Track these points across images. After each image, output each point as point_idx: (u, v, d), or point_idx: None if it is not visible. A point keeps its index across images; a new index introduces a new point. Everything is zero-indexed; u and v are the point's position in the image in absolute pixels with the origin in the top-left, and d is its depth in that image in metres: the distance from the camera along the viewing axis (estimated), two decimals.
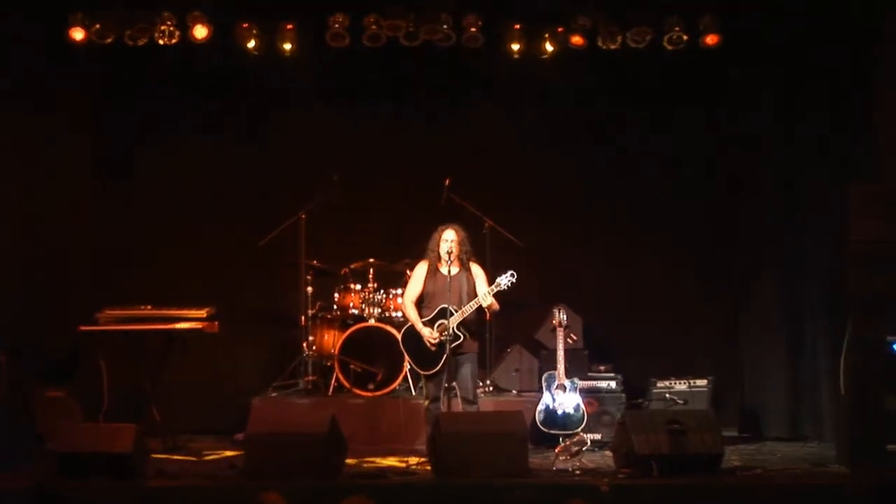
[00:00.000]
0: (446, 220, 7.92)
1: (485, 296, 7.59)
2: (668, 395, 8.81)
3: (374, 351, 8.97)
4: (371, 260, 9.34)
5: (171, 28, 8.83)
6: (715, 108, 9.43)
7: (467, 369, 7.72)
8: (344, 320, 9.38)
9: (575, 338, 9.01)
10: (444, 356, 7.54)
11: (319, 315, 9.35)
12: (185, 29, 8.89)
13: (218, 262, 9.52)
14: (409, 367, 8.61)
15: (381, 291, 9.32)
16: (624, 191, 9.66)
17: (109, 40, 8.93)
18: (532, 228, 9.38)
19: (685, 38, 8.87)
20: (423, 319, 7.75)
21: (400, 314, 9.06)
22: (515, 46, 9.11)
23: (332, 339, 9.32)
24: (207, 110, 9.52)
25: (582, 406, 8.55)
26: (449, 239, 7.75)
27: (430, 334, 7.66)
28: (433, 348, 7.67)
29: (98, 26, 8.85)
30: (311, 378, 9.12)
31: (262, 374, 9.39)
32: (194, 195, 9.55)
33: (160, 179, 9.57)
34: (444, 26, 8.92)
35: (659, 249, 9.59)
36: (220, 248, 9.53)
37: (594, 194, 9.70)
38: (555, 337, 8.65)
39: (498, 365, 9.37)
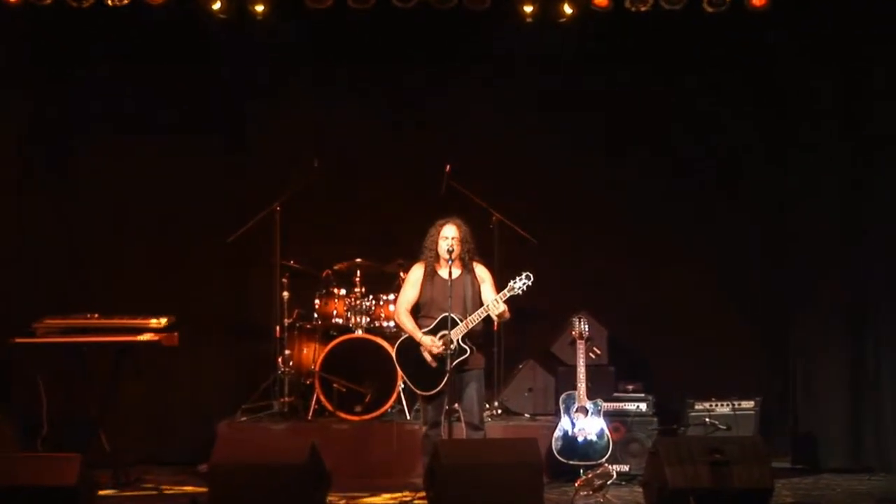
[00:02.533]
0: (446, 214, 7.90)
1: (495, 302, 7.56)
2: (708, 420, 8.84)
3: (362, 367, 9.00)
4: (358, 260, 9.35)
5: None
6: (763, 93, 9.52)
7: (472, 389, 7.71)
8: (326, 331, 9.40)
9: (598, 352, 9.05)
10: (446, 373, 7.52)
11: (297, 325, 9.38)
12: None
13: (178, 263, 9.57)
14: (403, 386, 8.61)
15: (371, 297, 9.35)
16: (654, 180, 9.71)
17: (48, 0, 8.87)
18: (547, 223, 9.46)
19: None
20: (423, 330, 7.72)
21: (392, 324, 9.12)
22: (528, 9, 9.15)
23: (312, 354, 9.35)
24: (164, 86, 9.54)
25: (606, 432, 8.58)
26: (449, 236, 7.73)
27: (430, 342, 7.62)
28: (433, 364, 7.65)
29: None
30: (287, 399, 9.14)
31: (229, 394, 9.43)
32: (149, 185, 9.57)
33: (107, 167, 9.58)
34: None
35: (697, 249, 9.69)
36: (181, 246, 9.58)
37: (619, 184, 9.74)
38: (574, 351, 8.68)
39: (508, 384, 9.39)
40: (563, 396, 8.65)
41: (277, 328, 9.20)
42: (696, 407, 8.93)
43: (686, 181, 9.72)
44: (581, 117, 9.64)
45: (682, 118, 9.67)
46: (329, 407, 8.98)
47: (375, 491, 8.08)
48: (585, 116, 9.64)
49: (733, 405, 8.90)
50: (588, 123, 9.65)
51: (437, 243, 7.78)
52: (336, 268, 9.38)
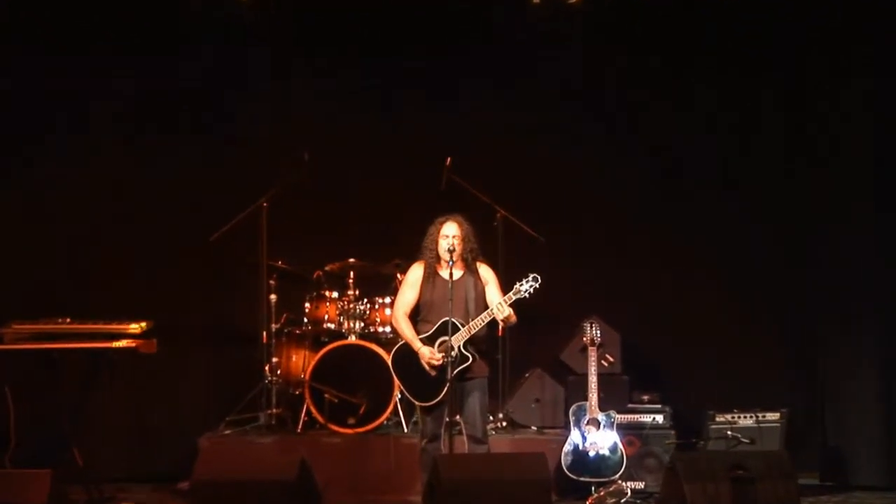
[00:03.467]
0: (447, 211, 7.87)
1: (500, 306, 7.52)
2: (730, 433, 8.81)
3: (356, 376, 8.99)
4: (351, 260, 9.34)
5: None
6: (800, 82, 9.57)
7: (475, 399, 7.68)
8: (317, 337, 9.40)
9: (612, 359, 9.11)
10: (447, 383, 7.47)
11: (286, 330, 9.39)
12: None
13: (157, 264, 9.57)
14: (400, 396, 8.69)
15: (365, 300, 9.36)
16: (673, 176, 9.76)
17: None
18: (556, 220, 9.47)
19: None
20: (421, 336, 7.68)
21: (389, 329, 9.17)
22: None
23: (301, 361, 9.36)
24: (141, 70, 9.51)
25: (620, 446, 8.56)
26: (450, 234, 7.71)
27: (429, 354, 7.59)
28: (432, 372, 7.61)
29: None
30: (275, 410, 9.15)
31: (212, 405, 9.44)
32: (126, 179, 9.57)
33: (79, 158, 9.56)
34: None
35: (718, 250, 9.71)
36: (160, 246, 9.56)
37: (634, 178, 9.76)
38: (585, 358, 8.69)
39: (514, 394, 9.39)
40: (573, 408, 8.65)
41: (264, 334, 9.18)
42: (718, 419, 8.92)
43: (709, 179, 9.80)
44: (593, 110, 9.72)
45: (700, 113, 9.78)
46: (320, 419, 8.96)
47: None
48: (598, 109, 9.72)
49: (757, 417, 8.89)
50: (601, 116, 9.72)
51: (437, 242, 7.75)
52: (328, 268, 9.37)
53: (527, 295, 7.54)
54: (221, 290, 9.64)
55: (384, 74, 9.71)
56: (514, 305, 7.60)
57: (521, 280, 7.56)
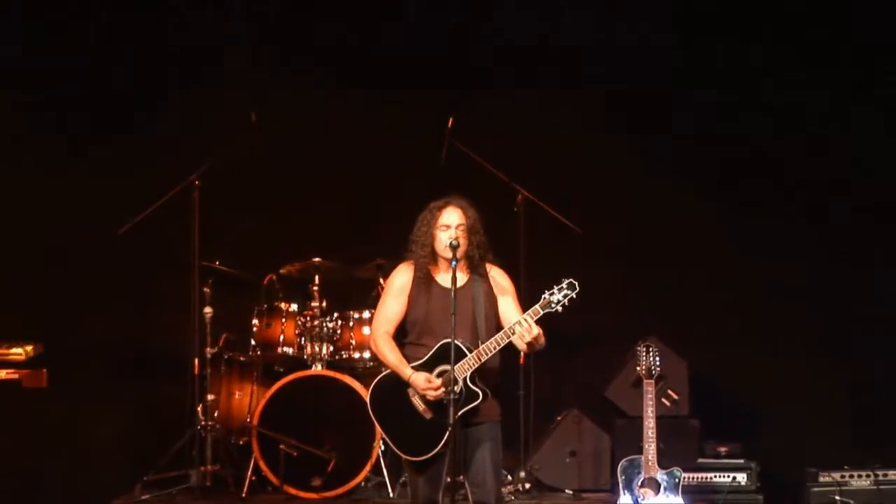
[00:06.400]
0: (447, 193, 7.42)
1: (523, 323, 7.08)
2: (839, 498, 8.77)
3: (323, 420, 8.91)
4: (316, 260, 9.18)
5: None
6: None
7: (486, 452, 7.25)
8: (269, 366, 9.36)
9: (676, 396, 9.03)
10: (447, 429, 7.04)
11: (226, 356, 9.32)
12: None
13: (48, 269, 9.50)
14: (383, 447, 8.67)
15: (335, 315, 9.25)
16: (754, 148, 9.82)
17: None
18: (595, 206, 9.53)
19: None
20: (413, 364, 7.23)
21: (368, 355, 9.13)
22: None
23: (248, 400, 9.26)
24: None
25: None
26: (452, 223, 7.31)
27: (425, 383, 7.15)
28: (427, 415, 7.17)
29: None
30: (211, 467, 9.00)
31: (124, 458, 9.34)
32: (9, 166, 9.57)
33: None
34: None
35: (822, 255, 9.71)
36: (53, 245, 9.50)
37: (701, 147, 9.79)
38: (640, 395, 8.45)
39: (541, 444, 9.29)
40: (622, 463, 8.43)
41: (196, 361, 9.04)
42: (822, 479, 8.86)
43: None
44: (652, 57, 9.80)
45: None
46: (273, 479, 8.86)
47: None
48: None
49: (876, 476, 8.82)
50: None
51: (433, 235, 7.36)
52: (284, 271, 9.25)
53: (559, 308, 7.09)
54: (138, 301, 9.63)
55: (363, 22, 9.86)
56: (542, 322, 7.10)
57: (552, 288, 7.11)
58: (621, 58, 9.76)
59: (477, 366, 7.11)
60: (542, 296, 7.09)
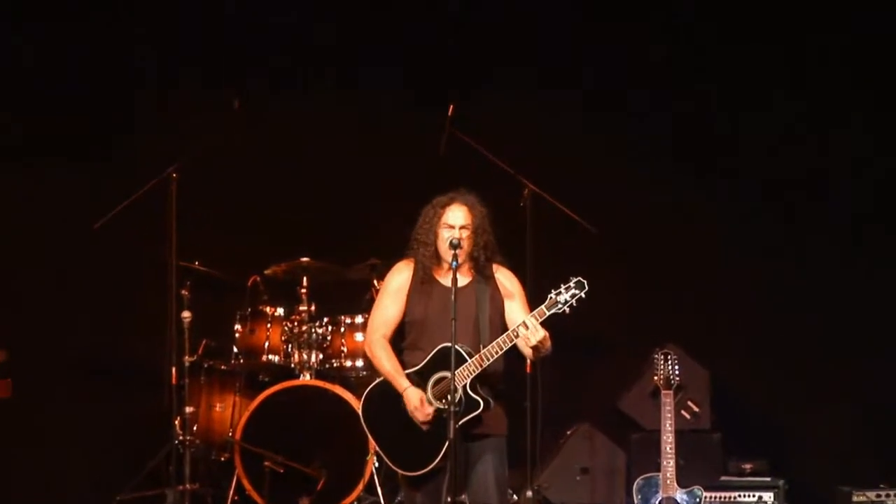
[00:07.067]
0: (448, 188, 7.39)
1: (529, 327, 7.00)
2: None
3: (312, 434, 8.91)
4: (304, 260, 9.20)
5: None
6: None
7: (488, 467, 7.20)
8: (253, 375, 9.42)
9: (696, 408, 9.05)
10: (445, 442, 6.99)
11: (206, 365, 9.34)
12: None
13: (10, 269, 9.53)
14: (377, 463, 8.71)
15: (325, 320, 9.28)
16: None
17: None
18: (608, 202, 9.56)
19: None
20: (409, 370, 7.18)
21: (361, 364, 9.17)
22: None
23: (230, 412, 9.32)
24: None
25: None
26: (457, 223, 7.28)
27: (418, 401, 7.08)
28: (425, 427, 7.11)
29: None
30: (190, 486, 8.92)
31: (96, 477, 9.37)
32: None
33: None
34: None
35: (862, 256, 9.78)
36: (18, 244, 9.51)
37: (727, 138, 9.88)
38: (657, 407, 8.45)
39: (550, 460, 9.32)
40: (638, 481, 8.44)
41: (173, 370, 9.00)
42: (855, 498, 8.88)
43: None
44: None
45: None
46: (258, 499, 8.87)
47: None
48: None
49: None
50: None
51: (435, 234, 7.32)
52: (269, 272, 9.30)
53: (567, 309, 7.03)
54: (109, 304, 9.64)
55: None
56: (549, 325, 7.05)
57: (560, 287, 7.06)
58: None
59: (478, 372, 7.04)
60: (549, 296, 7.03)
